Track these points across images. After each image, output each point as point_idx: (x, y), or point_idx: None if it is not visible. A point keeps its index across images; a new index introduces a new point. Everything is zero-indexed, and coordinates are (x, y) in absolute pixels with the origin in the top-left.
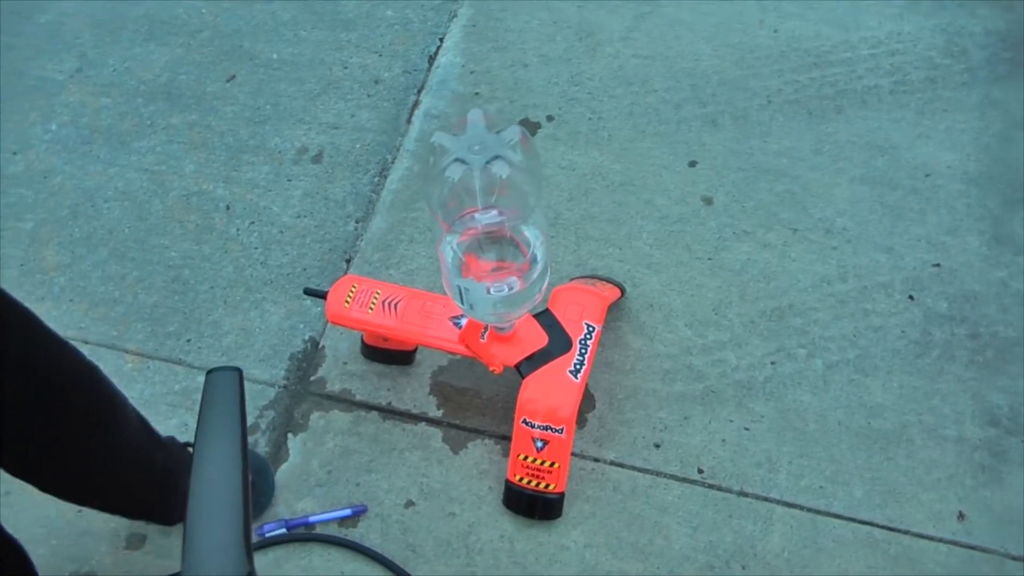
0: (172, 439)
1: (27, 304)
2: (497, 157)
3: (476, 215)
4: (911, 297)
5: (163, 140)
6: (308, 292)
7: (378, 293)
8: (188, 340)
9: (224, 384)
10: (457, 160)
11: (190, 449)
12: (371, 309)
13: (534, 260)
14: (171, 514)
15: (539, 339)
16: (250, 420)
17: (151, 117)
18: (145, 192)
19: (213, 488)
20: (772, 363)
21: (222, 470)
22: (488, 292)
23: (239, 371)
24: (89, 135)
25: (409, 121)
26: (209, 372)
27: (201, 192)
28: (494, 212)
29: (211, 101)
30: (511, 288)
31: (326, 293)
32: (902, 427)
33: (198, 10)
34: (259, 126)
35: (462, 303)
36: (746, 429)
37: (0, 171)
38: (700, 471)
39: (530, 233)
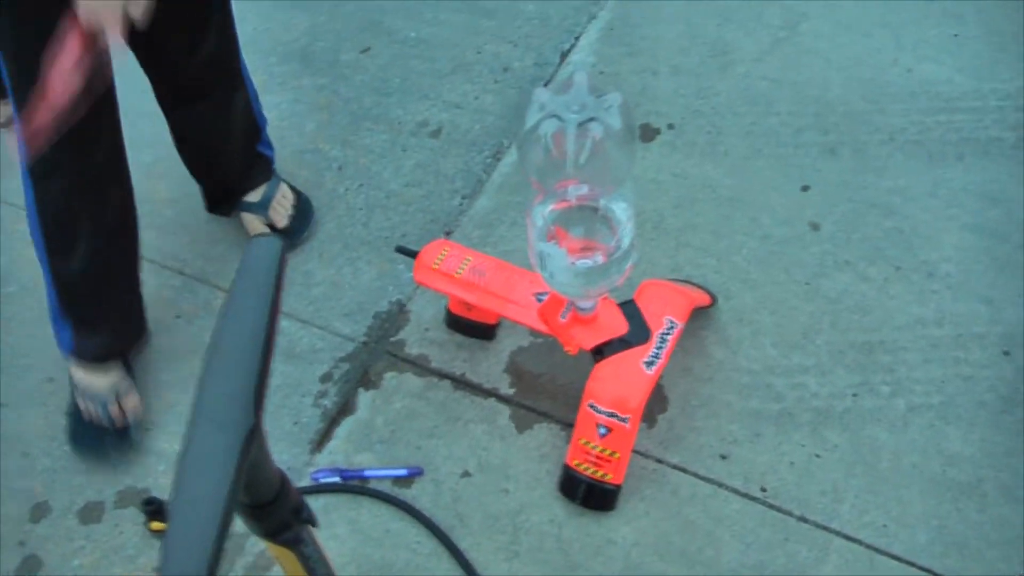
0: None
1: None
2: (593, 119)
3: (570, 187)
4: (1006, 353)
5: (289, 98)
6: (400, 250)
7: (468, 260)
8: None
9: (265, 251)
10: (553, 116)
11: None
12: (458, 273)
13: (622, 239)
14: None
15: (619, 326)
16: (324, 370)
17: (282, 76)
18: None
19: (234, 339)
20: (854, 395)
21: (246, 324)
22: (570, 262)
23: (281, 241)
24: None
25: None
26: (253, 238)
27: (317, 150)
28: (587, 186)
29: (343, 69)
30: (593, 262)
31: (417, 252)
32: (977, 480)
33: None
34: (384, 97)
35: (543, 270)
36: (817, 456)
37: (129, 103)
38: (763, 489)
39: (620, 211)
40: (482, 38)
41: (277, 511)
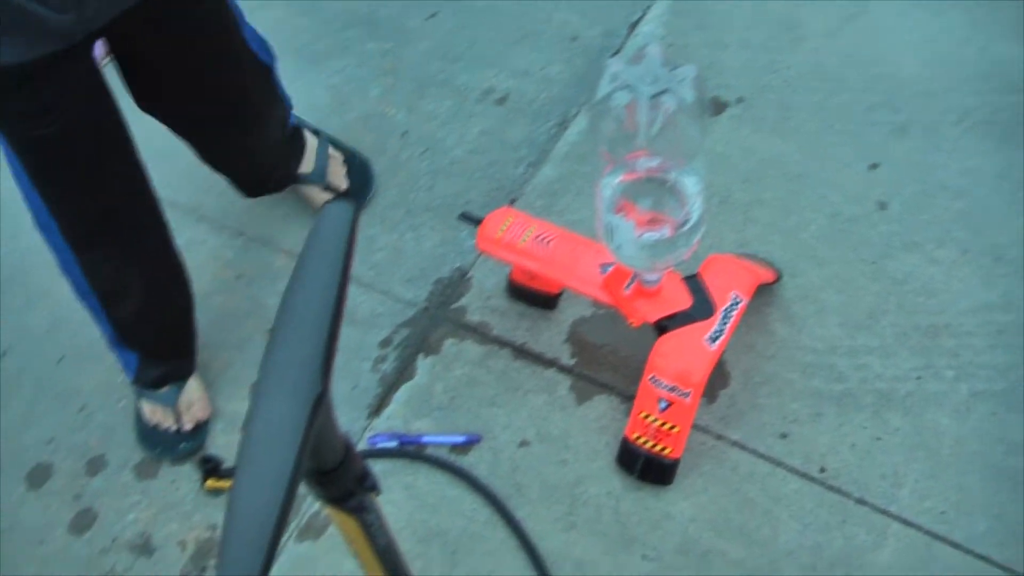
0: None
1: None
2: (666, 91)
3: (640, 158)
4: None
5: (354, 63)
6: (464, 216)
7: (532, 228)
8: None
9: (337, 217)
10: (626, 87)
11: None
12: (522, 242)
13: (690, 213)
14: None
15: (683, 300)
16: (384, 335)
17: (347, 41)
18: (327, 107)
19: (304, 305)
20: (917, 378)
21: (316, 290)
22: (637, 235)
23: (354, 207)
24: (282, 51)
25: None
26: (326, 203)
27: (381, 115)
28: (658, 158)
29: (409, 34)
30: (660, 235)
31: (481, 220)
32: None
33: None
34: (450, 63)
35: (610, 241)
36: (878, 439)
37: None
38: (822, 470)
39: (691, 185)
40: (550, 6)
41: (341, 478)
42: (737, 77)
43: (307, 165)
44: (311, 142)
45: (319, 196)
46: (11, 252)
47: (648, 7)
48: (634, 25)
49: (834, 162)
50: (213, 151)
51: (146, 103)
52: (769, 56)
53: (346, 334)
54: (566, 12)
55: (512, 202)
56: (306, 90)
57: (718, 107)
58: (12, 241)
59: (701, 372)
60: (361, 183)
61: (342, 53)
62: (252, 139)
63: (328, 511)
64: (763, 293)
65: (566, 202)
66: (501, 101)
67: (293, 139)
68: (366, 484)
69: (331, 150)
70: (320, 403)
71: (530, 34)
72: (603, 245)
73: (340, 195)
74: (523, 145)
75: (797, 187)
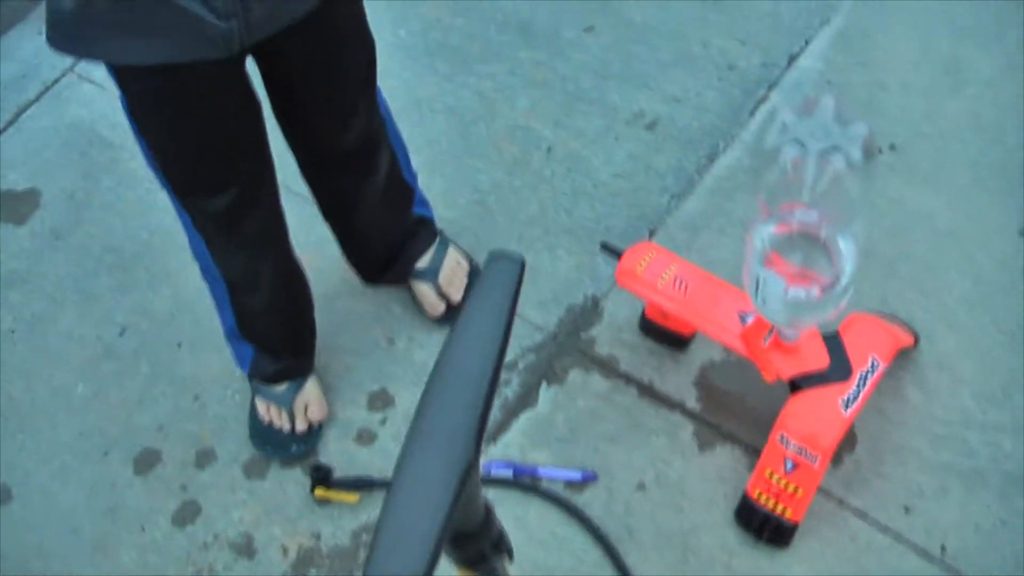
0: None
1: None
2: (837, 149)
3: (797, 211)
4: None
5: (505, 70)
6: (604, 247)
7: (673, 267)
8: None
9: (504, 271)
10: (795, 141)
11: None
12: (661, 280)
13: (840, 275)
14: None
15: (820, 359)
16: (510, 358)
17: (500, 46)
18: (473, 113)
19: (463, 366)
20: None
21: (476, 351)
22: (785, 291)
23: (522, 261)
24: (435, 48)
25: (752, 114)
26: (491, 253)
27: (527, 128)
28: (816, 214)
29: (563, 46)
30: (808, 295)
31: (622, 252)
32: None
33: None
34: (603, 80)
35: (756, 295)
36: (1003, 522)
37: None
38: (943, 548)
39: (844, 246)
40: (710, 31)
41: (478, 542)
42: (893, 122)
43: (423, 260)
44: (435, 238)
45: (434, 301)
46: (140, 229)
47: (810, 38)
48: (794, 58)
49: (984, 222)
50: (333, 199)
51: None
52: (928, 102)
53: None
54: (725, 38)
55: (652, 233)
56: (454, 92)
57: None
58: (141, 218)
59: (832, 437)
60: None
61: (495, 58)
62: (366, 186)
63: (458, 572)
64: (898, 356)
65: (707, 238)
66: (651, 126)
67: (419, 224)
68: (501, 548)
69: (454, 252)
70: (470, 471)
71: (686, 57)
72: (744, 293)
73: (449, 306)
74: (669, 174)
75: (944, 245)
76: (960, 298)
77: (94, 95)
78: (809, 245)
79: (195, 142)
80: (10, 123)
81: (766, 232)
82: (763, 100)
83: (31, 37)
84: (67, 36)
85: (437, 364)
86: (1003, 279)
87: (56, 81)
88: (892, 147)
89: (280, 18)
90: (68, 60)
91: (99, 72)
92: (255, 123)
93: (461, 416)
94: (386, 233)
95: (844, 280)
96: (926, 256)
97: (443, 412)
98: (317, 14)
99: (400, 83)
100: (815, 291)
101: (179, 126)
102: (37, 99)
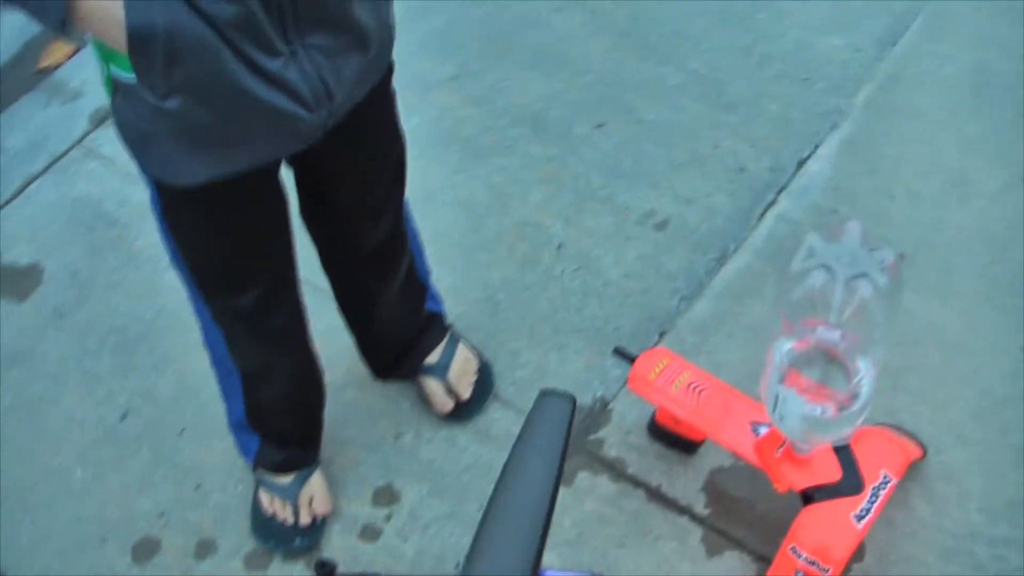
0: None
1: None
2: (864, 275)
3: (819, 328)
4: None
5: (517, 164)
6: (618, 352)
7: (686, 374)
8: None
9: (555, 409)
10: (823, 266)
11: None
12: (675, 387)
13: (857, 394)
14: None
15: (832, 472)
16: None
17: (512, 140)
18: (485, 207)
19: (516, 505)
20: None
21: (530, 490)
22: (803, 407)
23: (573, 401)
24: (446, 139)
25: (761, 218)
26: (543, 392)
27: (539, 224)
28: (838, 333)
29: (575, 142)
30: (824, 412)
31: (635, 357)
32: None
33: (590, 54)
34: (614, 178)
35: (773, 410)
36: None
37: None
38: None
39: (863, 366)
40: (721, 132)
41: None
42: (901, 231)
43: (433, 356)
44: (445, 334)
45: (442, 397)
46: (144, 310)
47: (819, 143)
48: (803, 163)
49: (992, 336)
50: (353, 295)
51: (308, 212)
52: (935, 212)
53: (480, 451)
54: (735, 140)
55: (662, 335)
56: (467, 184)
57: None
58: (146, 299)
59: (844, 550)
60: (482, 392)
61: (507, 151)
62: (387, 284)
63: None
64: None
65: (717, 342)
66: (661, 226)
67: (430, 320)
68: None
69: (463, 349)
70: None
71: (697, 159)
72: (756, 403)
73: (458, 404)
74: (680, 275)
75: (952, 358)
76: (966, 411)
77: (101, 171)
78: (826, 361)
79: (229, 246)
80: (16, 195)
81: (786, 348)
82: (772, 205)
83: (40, 107)
84: (145, 152)
85: (491, 499)
86: (1009, 393)
87: (64, 154)
88: (900, 257)
89: (354, 99)
90: (76, 133)
91: (107, 147)
92: (286, 224)
93: (516, 554)
94: (401, 329)
95: (860, 400)
96: (934, 369)
97: (498, 548)
98: (358, 111)
99: (410, 172)
100: (830, 409)
101: (215, 231)
102: (44, 171)
